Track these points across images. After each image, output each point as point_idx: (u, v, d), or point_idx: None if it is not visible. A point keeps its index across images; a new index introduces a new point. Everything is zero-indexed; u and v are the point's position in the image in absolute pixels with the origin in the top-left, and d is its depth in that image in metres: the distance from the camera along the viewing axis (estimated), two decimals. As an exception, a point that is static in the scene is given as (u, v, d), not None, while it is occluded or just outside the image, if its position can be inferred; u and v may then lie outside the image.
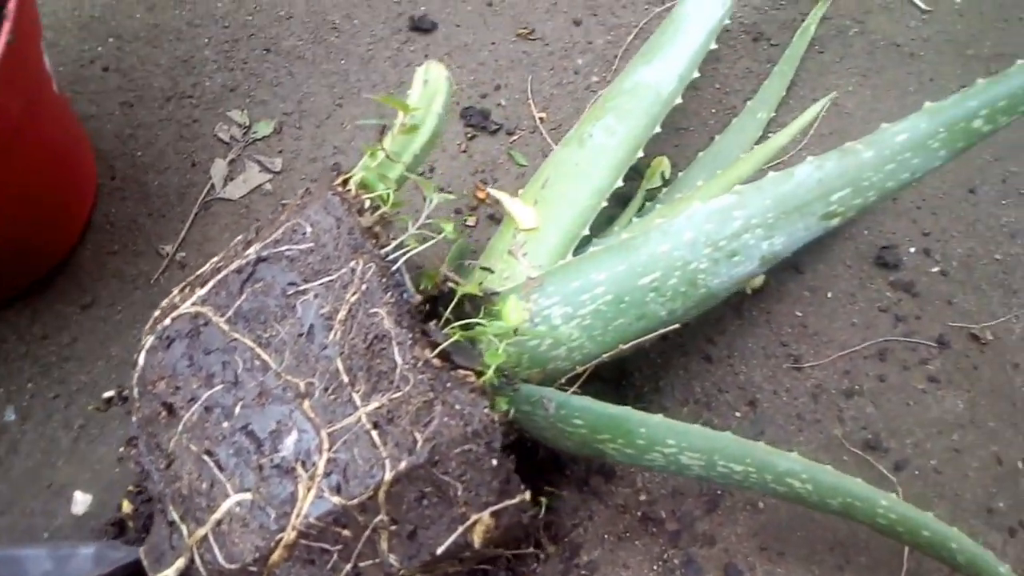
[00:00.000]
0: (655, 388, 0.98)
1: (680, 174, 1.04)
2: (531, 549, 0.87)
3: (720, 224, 0.70)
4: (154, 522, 0.67)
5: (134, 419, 0.67)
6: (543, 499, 0.86)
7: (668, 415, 0.95)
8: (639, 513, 0.91)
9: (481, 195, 0.78)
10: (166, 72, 1.14)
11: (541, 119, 1.10)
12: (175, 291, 0.72)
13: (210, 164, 1.06)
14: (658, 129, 0.83)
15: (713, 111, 1.14)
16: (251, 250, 0.67)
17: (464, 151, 1.09)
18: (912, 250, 1.08)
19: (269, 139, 1.08)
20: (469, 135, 1.09)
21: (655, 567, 0.88)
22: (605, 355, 0.73)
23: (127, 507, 0.87)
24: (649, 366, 0.99)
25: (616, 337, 0.72)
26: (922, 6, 1.27)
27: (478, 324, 0.64)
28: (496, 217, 1.04)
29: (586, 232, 0.78)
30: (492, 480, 0.61)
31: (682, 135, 1.12)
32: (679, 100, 0.85)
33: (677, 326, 0.72)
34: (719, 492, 0.92)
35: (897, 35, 1.24)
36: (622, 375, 0.99)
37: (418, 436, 0.59)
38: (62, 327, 0.97)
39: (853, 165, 0.69)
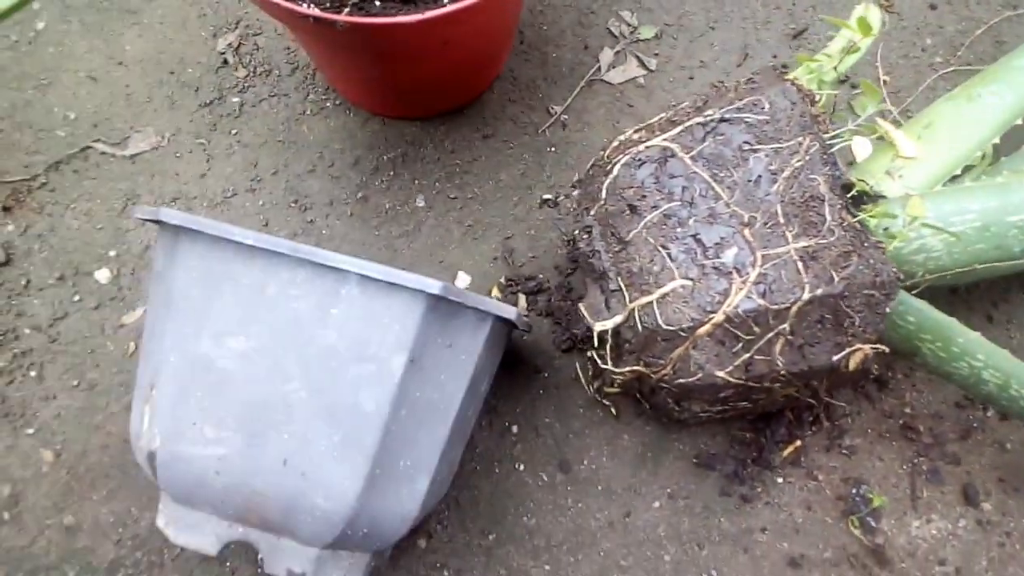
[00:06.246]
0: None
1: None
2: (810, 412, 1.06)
3: (1094, 187, 0.84)
4: (587, 290, 0.89)
5: (591, 213, 0.89)
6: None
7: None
8: (900, 422, 1.07)
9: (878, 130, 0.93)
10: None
11: (884, 82, 1.25)
12: (629, 131, 0.93)
13: (599, 51, 1.27)
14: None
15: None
16: (710, 111, 0.87)
17: (810, 92, 1.25)
18: None
19: (649, 42, 1.28)
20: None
21: (905, 466, 1.05)
22: (950, 272, 0.89)
23: (496, 293, 1.11)
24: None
25: (971, 258, 0.88)
26: None
27: (886, 210, 0.82)
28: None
29: (958, 172, 0.93)
30: (880, 323, 0.79)
31: None
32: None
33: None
34: (974, 425, 1.07)
35: None
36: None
37: (835, 274, 0.78)
38: (466, 148, 1.21)
39: None
